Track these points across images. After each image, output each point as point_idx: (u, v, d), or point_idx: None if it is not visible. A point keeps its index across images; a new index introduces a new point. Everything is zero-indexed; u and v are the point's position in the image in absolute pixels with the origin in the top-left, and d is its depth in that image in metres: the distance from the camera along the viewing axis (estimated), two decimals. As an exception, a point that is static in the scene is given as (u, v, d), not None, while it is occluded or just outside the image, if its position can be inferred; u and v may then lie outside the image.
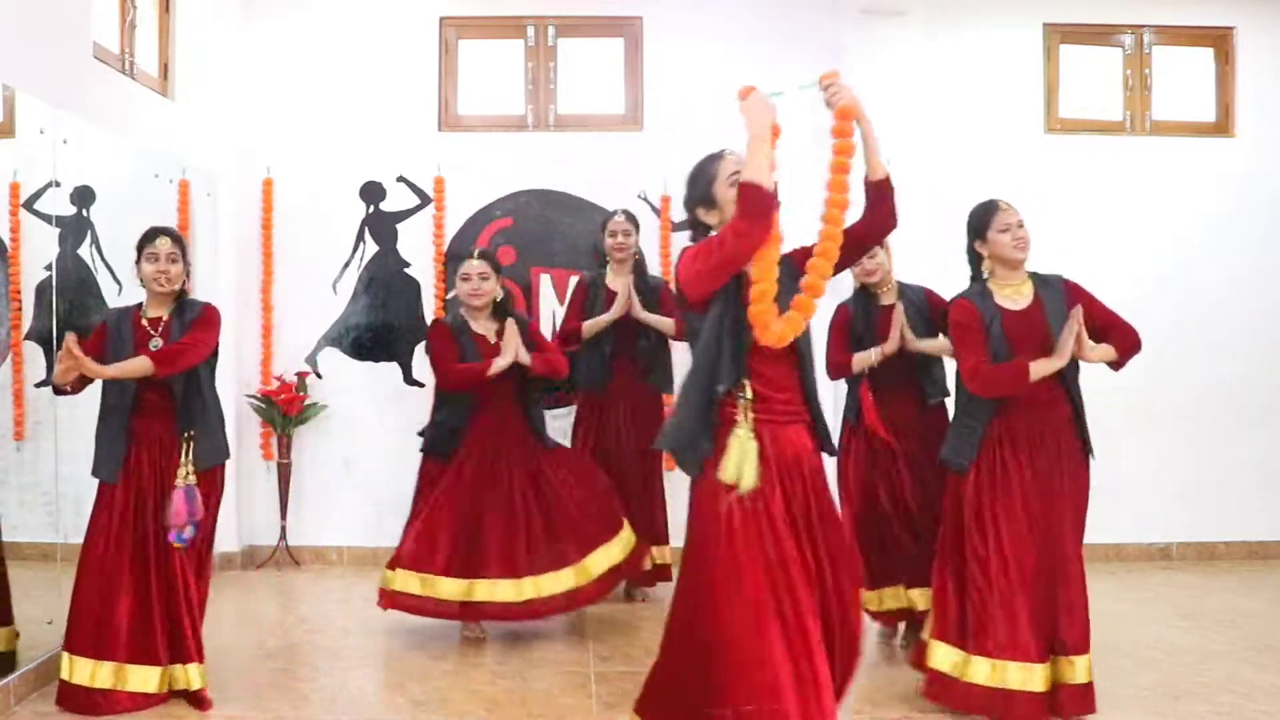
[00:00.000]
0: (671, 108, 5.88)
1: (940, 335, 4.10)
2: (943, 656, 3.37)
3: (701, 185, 2.89)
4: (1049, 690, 3.30)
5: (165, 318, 3.57)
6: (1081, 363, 3.42)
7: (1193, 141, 6.02)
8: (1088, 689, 3.33)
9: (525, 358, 4.20)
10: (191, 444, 3.53)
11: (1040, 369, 3.31)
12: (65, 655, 3.47)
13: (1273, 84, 6.02)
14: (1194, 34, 6.08)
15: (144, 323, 3.57)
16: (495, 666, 4.01)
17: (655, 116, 5.92)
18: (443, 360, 4.27)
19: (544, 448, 4.38)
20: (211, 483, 3.59)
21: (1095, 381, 5.75)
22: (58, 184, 4.01)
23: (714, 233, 2.75)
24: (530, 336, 4.34)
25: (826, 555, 2.61)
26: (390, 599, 4.19)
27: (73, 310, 4.21)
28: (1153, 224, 5.93)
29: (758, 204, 2.57)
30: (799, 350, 2.70)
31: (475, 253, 4.45)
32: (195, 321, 3.56)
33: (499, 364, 4.17)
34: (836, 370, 4.22)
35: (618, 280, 4.94)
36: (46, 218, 4.00)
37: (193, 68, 5.40)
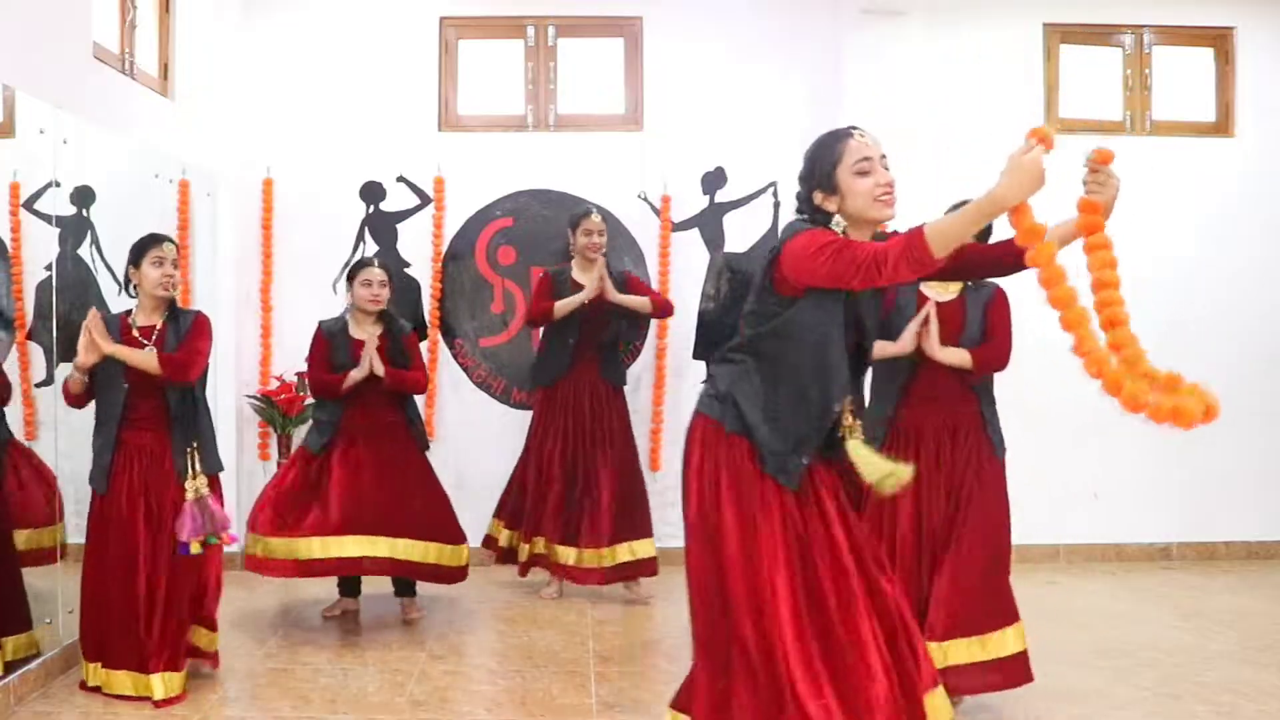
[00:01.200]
0: (671, 108, 5.89)
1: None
2: None
3: (823, 168, 2.56)
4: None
5: (159, 325, 3.57)
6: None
7: (1193, 141, 6.02)
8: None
9: (379, 369, 4.37)
10: (196, 456, 3.55)
11: (880, 350, 3.31)
12: (83, 662, 3.57)
13: (1273, 84, 6.02)
14: (1194, 34, 6.08)
15: (134, 332, 3.57)
16: (495, 666, 4.01)
17: (655, 116, 5.92)
18: (311, 366, 4.53)
19: (416, 449, 4.58)
20: (213, 492, 3.63)
21: (1095, 381, 5.76)
22: (58, 184, 4.01)
23: (835, 221, 2.51)
24: (404, 347, 4.52)
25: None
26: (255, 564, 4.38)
27: (73, 310, 4.21)
28: (1153, 224, 5.92)
29: (921, 263, 2.30)
30: None
31: (376, 260, 4.63)
32: (192, 332, 3.56)
33: (353, 376, 4.37)
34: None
35: (585, 275, 4.95)
36: (46, 218, 4.00)
37: (193, 68, 5.40)
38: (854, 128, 2.59)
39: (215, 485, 3.67)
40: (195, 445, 3.56)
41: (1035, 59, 5.98)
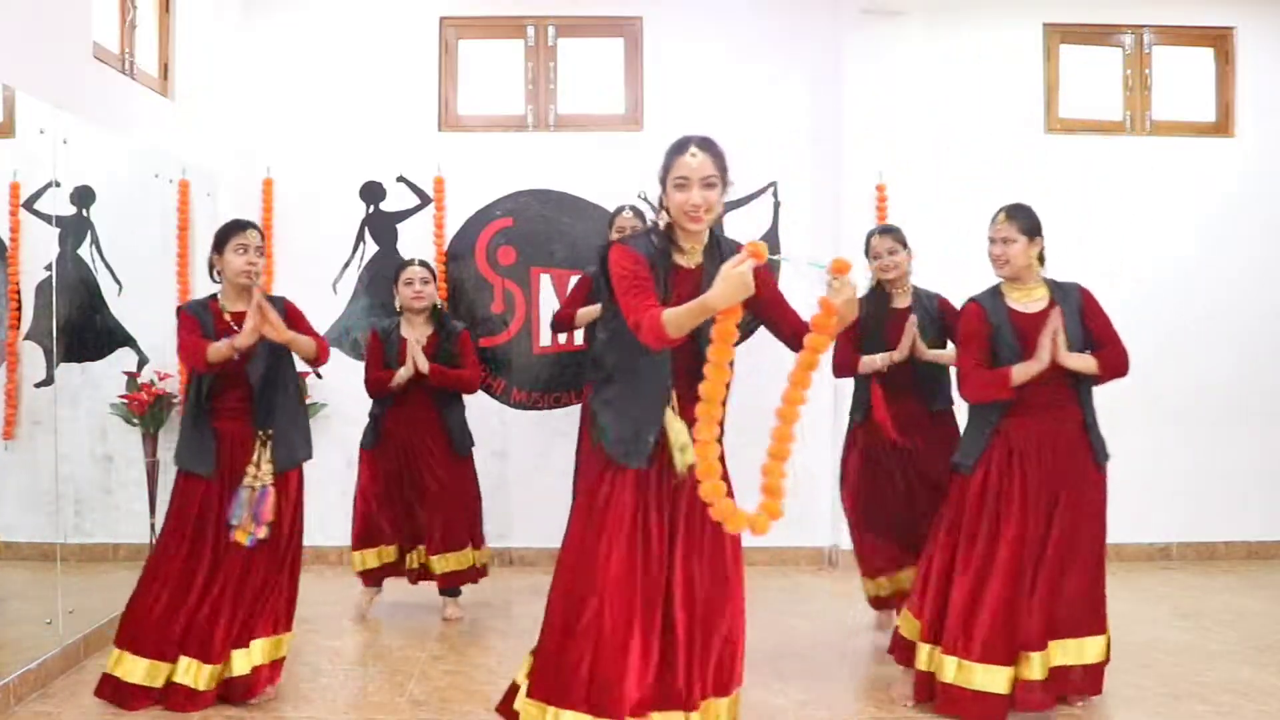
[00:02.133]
0: (671, 108, 5.89)
1: (950, 344, 4.13)
2: (945, 665, 3.39)
3: (661, 171, 2.83)
4: (1011, 693, 3.33)
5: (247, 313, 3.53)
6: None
7: (1193, 141, 6.02)
8: (1041, 686, 3.34)
9: (423, 366, 4.43)
10: (270, 444, 3.52)
11: (1022, 371, 3.34)
12: (115, 651, 3.47)
13: (1273, 84, 6.02)
14: (1194, 34, 6.08)
15: (226, 317, 3.53)
16: (495, 666, 4.01)
17: (655, 116, 5.92)
18: (366, 366, 4.63)
19: (457, 454, 4.64)
20: (289, 482, 3.59)
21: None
22: (58, 184, 4.01)
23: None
24: (457, 346, 4.58)
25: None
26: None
27: (73, 310, 4.22)
28: (1153, 224, 5.93)
29: (660, 340, 2.60)
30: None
31: (416, 260, 4.70)
32: (299, 318, 3.64)
33: (400, 375, 4.46)
34: (840, 369, 4.22)
35: None
36: (46, 218, 4.00)
37: (193, 68, 5.40)
38: (692, 144, 2.75)
39: (296, 475, 3.62)
40: (270, 434, 3.53)
41: (1035, 59, 5.98)
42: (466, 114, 5.99)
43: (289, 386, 3.60)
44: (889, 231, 4.25)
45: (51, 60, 4.04)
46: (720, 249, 2.85)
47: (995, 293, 3.53)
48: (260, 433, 3.52)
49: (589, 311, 4.81)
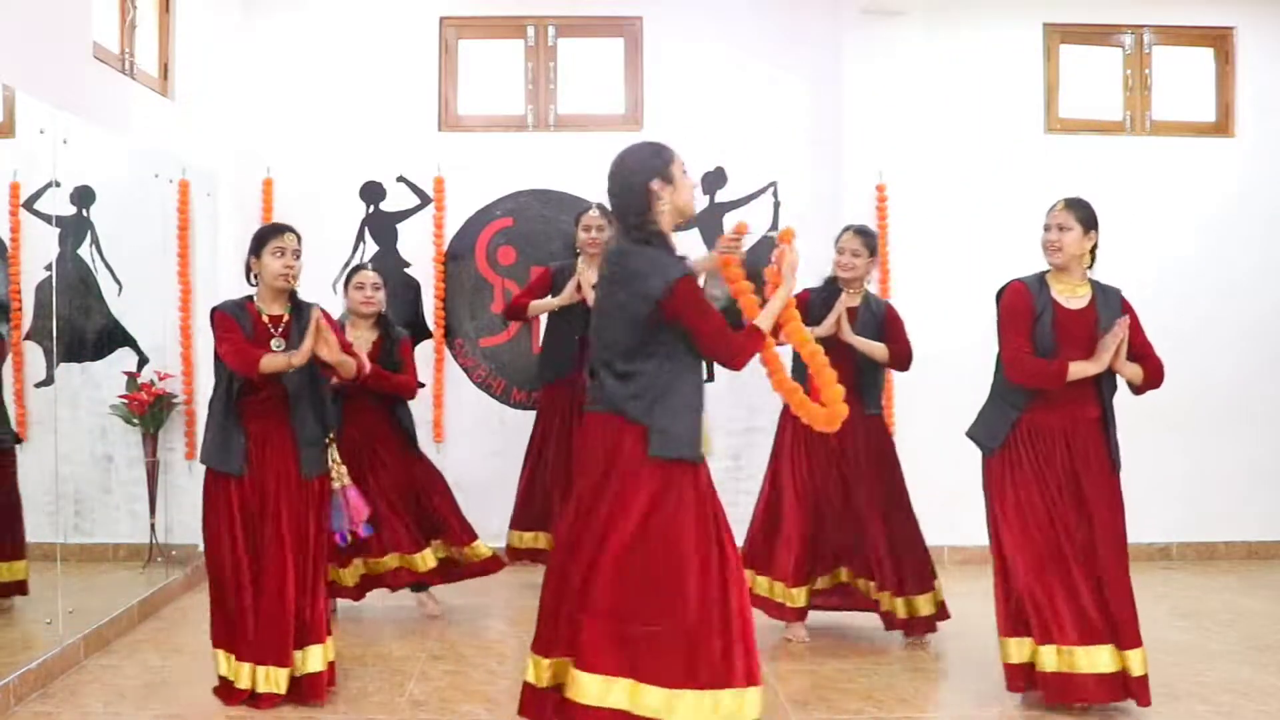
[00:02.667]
0: (671, 108, 5.89)
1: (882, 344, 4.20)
2: (1012, 649, 3.41)
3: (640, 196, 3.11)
4: (1118, 673, 3.34)
5: (286, 318, 3.52)
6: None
7: (1193, 141, 6.02)
8: (1142, 681, 3.35)
9: (366, 367, 4.01)
10: (334, 445, 3.57)
11: (1079, 370, 3.35)
12: (218, 653, 3.49)
13: (1273, 84, 6.02)
14: (1194, 34, 6.08)
15: (264, 319, 3.52)
16: (495, 666, 4.01)
17: (655, 116, 5.92)
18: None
19: (411, 446, 4.63)
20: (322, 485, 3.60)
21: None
22: (58, 184, 4.01)
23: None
24: (399, 353, 4.55)
25: None
26: None
27: (73, 310, 4.22)
28: (1153, 224, 5.93)
29: (748, 349, 2.91)
30: None
31: (369, 265, 4.70)
32: (338, 330, 3.63)
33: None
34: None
35: (588, 273, 4.87)
36: (46, 218, 4.00)
37: (193, 68, 5.40)
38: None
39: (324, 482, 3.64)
40: (332, 437, 3.56)
41: (1035, 59, 5.98)
42: (466, 114, 5.99)
43: (323, 388, 3.61)
44: (862, 233, 4.28)
45: (51, 60, 4.04)
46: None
47: (1041, 280, 3.51)
48: (328, 436, 3.57)
49: (543, 304, 4.93)
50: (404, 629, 4.53)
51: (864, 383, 4.17)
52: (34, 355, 4.04)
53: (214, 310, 3.54)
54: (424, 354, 5.84)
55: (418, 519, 4.57)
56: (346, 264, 5.85)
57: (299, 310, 3.54)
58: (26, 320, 4.02)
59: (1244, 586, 5.35)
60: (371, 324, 4.57)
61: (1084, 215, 3.45)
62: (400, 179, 5.88)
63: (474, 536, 4.66)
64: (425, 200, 5.88)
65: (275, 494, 3.46)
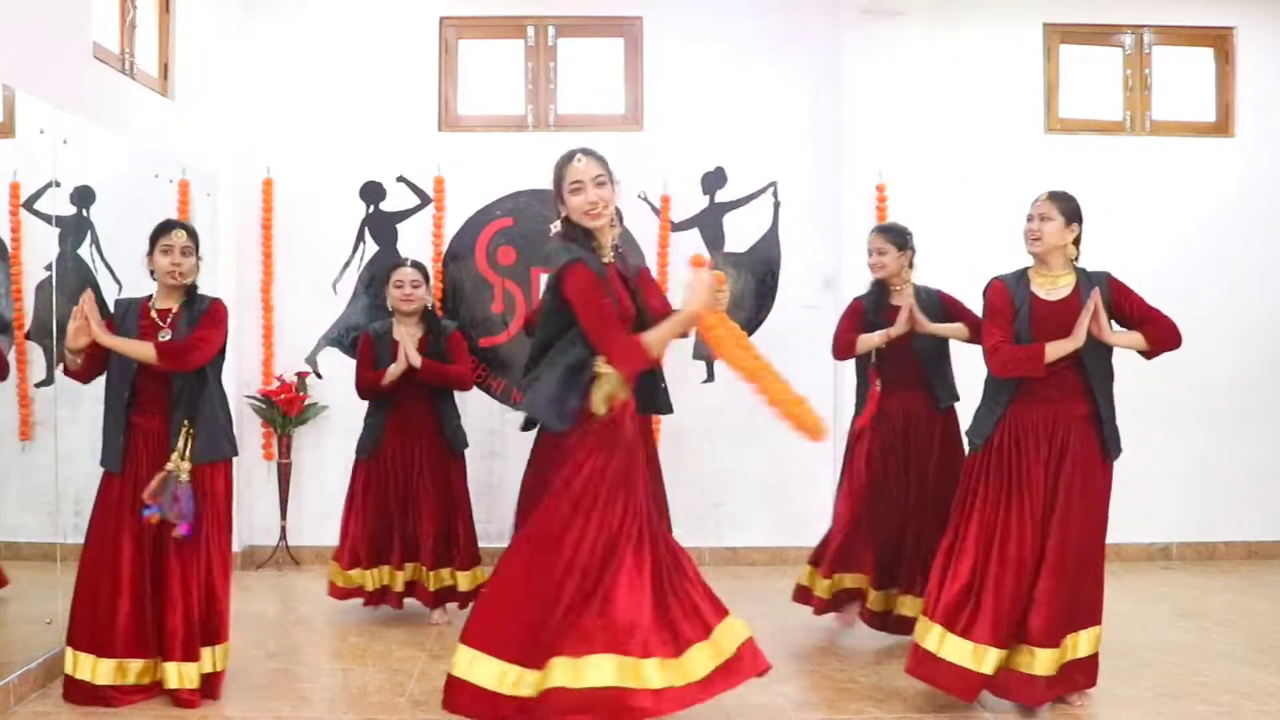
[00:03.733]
0: (671, 108, 5.89)
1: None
2: (924, 632, 3.46)
3: (555, 186, 3.14)
4: (995, 674, 3.36)
5: (175, 309, 3.57)
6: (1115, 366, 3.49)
7: (1193, 141, 6.02)
8: (1037, 681, 3.36)
9: (414, 360, 4.44)
10: (191, 438, 3.51)
11: (1056, 349, 3.37)
12: (68, 650, 3.48)
13: (1273, 84, 6.02)
14: (1194, 34, 6.08)
15: (153, 314, 3.57)
16: (495, 666, 4.00)
17: (655, 116, 5.92)
18: (358, 369, 4.67)
19: (452, 454, 4.65)
20: (213, 478, 3.56)
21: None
22: (58, 184, 4.01)
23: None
24: (447, 345, 4.58)
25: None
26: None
27: (73, 310, 4.21)
28: (1153, 224, 5.93)
29: (633, 365, 2.95)
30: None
31: (408, 261, 4.67)
32: (203, 318, 3.55)
33: (391, 372, 4.46)
34: (841, 351, 4.30)
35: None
36: (46, 218, 4.00)
37: (193, 68, 5.40)
38: (578, 152, 3.08)
39: (221, 470, 3.60)
40: (191, 428, 3.52)
41: (1035, 59, 5.99)
42: (466, 114, 5.99)
43: (210, 381, 3.58)
44: (883, 231, 4.33)
45: (51, 60, 4.04)
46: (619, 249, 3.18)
47: (1021, 275, 3.55)
48: (185, 426, 3.51)
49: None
50: (404, 629, 4.52)
51: (932, 378, 4.19)
52: (34, 355, 4.04)
53: (219, 302, 3.66)
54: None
55: (441, 536, 4.58)
56: (346, 264, 5.86)
57: (191, 304, 3.58)
58: (27, 320, 4.02)
59: (1244, 586, 5.35)
60: (416, 320, 4.59)
61: (1067, 207, 3.48)
62: (400, 179, 5.88)
63: (477, 562, 4.64)
64: (425, 200, 5.88)
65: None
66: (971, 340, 4.11)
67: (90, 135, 4.24)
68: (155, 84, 5.14)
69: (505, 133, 5.94)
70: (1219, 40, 6.07)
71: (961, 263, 5.77)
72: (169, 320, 3.55)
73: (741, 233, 5.89)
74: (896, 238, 4.27)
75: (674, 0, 5.92)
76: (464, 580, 4.59)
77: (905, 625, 4.05)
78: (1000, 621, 3.35)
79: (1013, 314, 3.47)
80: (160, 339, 3.49)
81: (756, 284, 5.89)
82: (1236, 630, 4.50)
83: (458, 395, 4.76)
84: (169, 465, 3.46)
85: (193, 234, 3.62)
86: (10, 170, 3.88)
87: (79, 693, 3.46)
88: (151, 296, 3.64)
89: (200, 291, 3.68)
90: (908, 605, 4.10)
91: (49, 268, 3.97)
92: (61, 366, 3.56)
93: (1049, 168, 5.83)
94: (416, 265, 4.64)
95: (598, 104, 6.00)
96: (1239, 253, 5.95)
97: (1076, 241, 3.52)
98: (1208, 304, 5.92)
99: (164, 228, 3.60)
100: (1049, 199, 3.50)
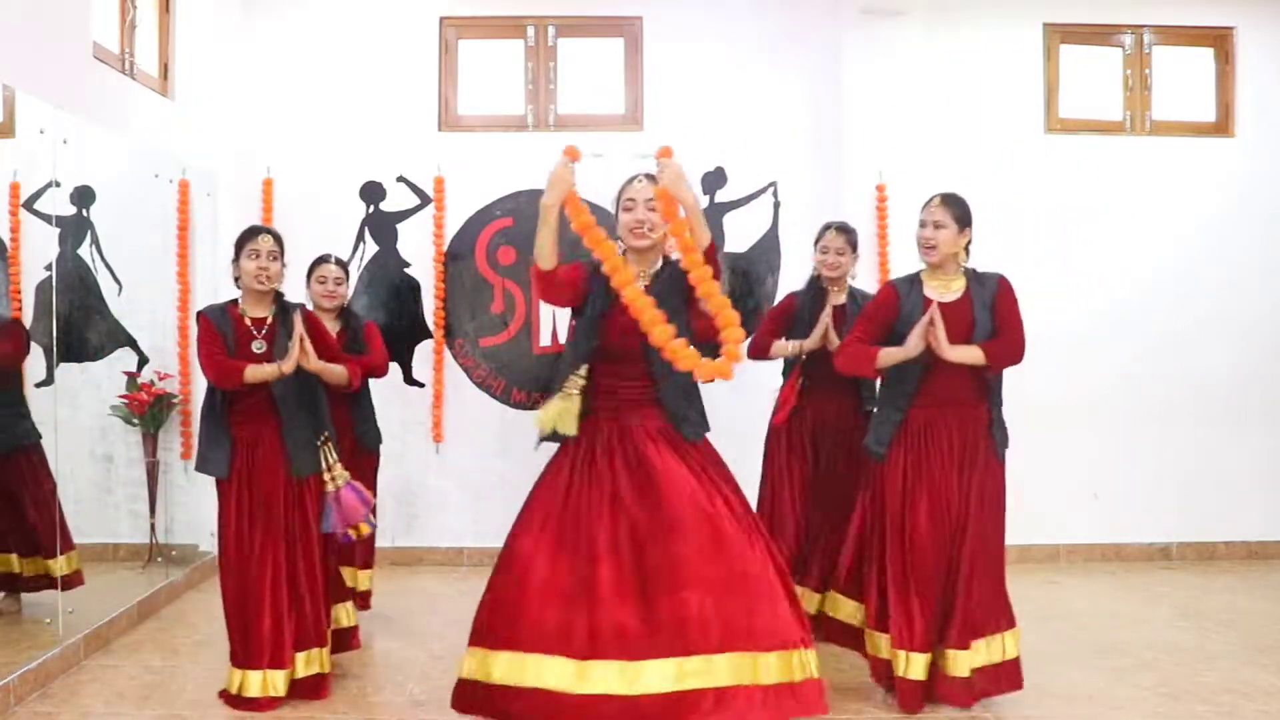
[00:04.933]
0: (671, 108, 5.89)
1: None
2: (881, 647, 3.50)
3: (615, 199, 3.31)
4: (928, 679, 3.40)
5: (269, 320, 3.54)
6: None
7: (1193, 141, 6.02)
8: (965, 683, 3.38)
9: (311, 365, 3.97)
10: (329, 448, 3.57)
11: (888, 356, 3.41)
12: (235, 671, 3.49)
13: (1273, 84, 6.02)
14: (1194, 34, 6.08)
15: (247, 322, 3.53)
16: (495, 666, 4.00)
17: (655, 116, 5.92)
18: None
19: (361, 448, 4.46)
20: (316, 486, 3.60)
21: (1097, 379, 5.76)
22: (58, 184, 4.01)
23: None
24: (364, 336, 4.48)
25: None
26: None
27: (73, 310, 4.22)
28: (1153, 224, 5.93)
29: (538, 282, 3.20)
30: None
31: (333, 258, 4.54)
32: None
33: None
34: (755, 350, 4.27)
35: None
36: (46, 218, 4.00)
37: (193, 68, 5.40)
38: (641, 174, 3.22)
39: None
40: (326, 437, 3.56)
41: (1035, 59, 5.98)
42: (466, 114, 5.99)
43: (316, 389, 3.60)
44: (845, 231, 4.26)
45: (51, 60, 4.04)
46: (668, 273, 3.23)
47: (914, 279, 3.55)
48: (321, 437, 3.56)
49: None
50: (404, 629, 4.52)
51: (859, 382, 4.15)
52: (34, 355, 4.04)
53: (199, 314, 3.57)
54: (424, 354, 5.85)
55: None
56: (345, 264, 5.84)
57: (284, 312, 3.56)
58: (27, 320, 4.02)
59: (1244, 586, 5.35)
60: (334, 315, 4.48)
61: (959, 212, 3.46)
62: (400, 179, 5.88)
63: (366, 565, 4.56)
64: (425, 200, 5.88)
65: (267, 497, 3.47)
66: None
67: (90, 135, 4.24)
68: (155, 84, 5.14)
69: (505, 133, 5.94)
70: (1219, 40, 6.07)
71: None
72: (264, 331, 3.52)
73: (741, 233, 5.89)
74: (854, 238, 4.26)
75: (674, 0, 5.92)
76: (364, 580, 4.53)
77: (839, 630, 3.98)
78: (930, 627, 3.39)
79: (892, 319, 3.47)
80: (254, 349, 3.47)
81: (756, 284, 5.89)
82: (1236, 630, 4.50)
83: (459, 395, 4.73)
84: (328, 485, 3.54)
85: (279, 239, 3.59)
86: (10, 170, 3.89)
87: (250, 706, 3.45)
88: (237, 303, 3.59)
89: (196, 296, 3.67)
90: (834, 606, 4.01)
91: (49, 268, 3.97)
92: (230, 371, 3.42)
93: (1049, 168, 5.85)
94: (339, 262, 4.54)
95: (598, 104, 6.00)
96: (1239, 253, 5.95)
97: (967, 247, 3.51)
98: (1207, 304, 5.92)
99: (251, 232, 3.57)
100: (941, 204, 3.46)
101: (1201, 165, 5.97)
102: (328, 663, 3.60)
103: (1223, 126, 6.07)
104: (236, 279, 3.59)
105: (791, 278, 5.90)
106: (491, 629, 3.01)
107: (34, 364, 4.05)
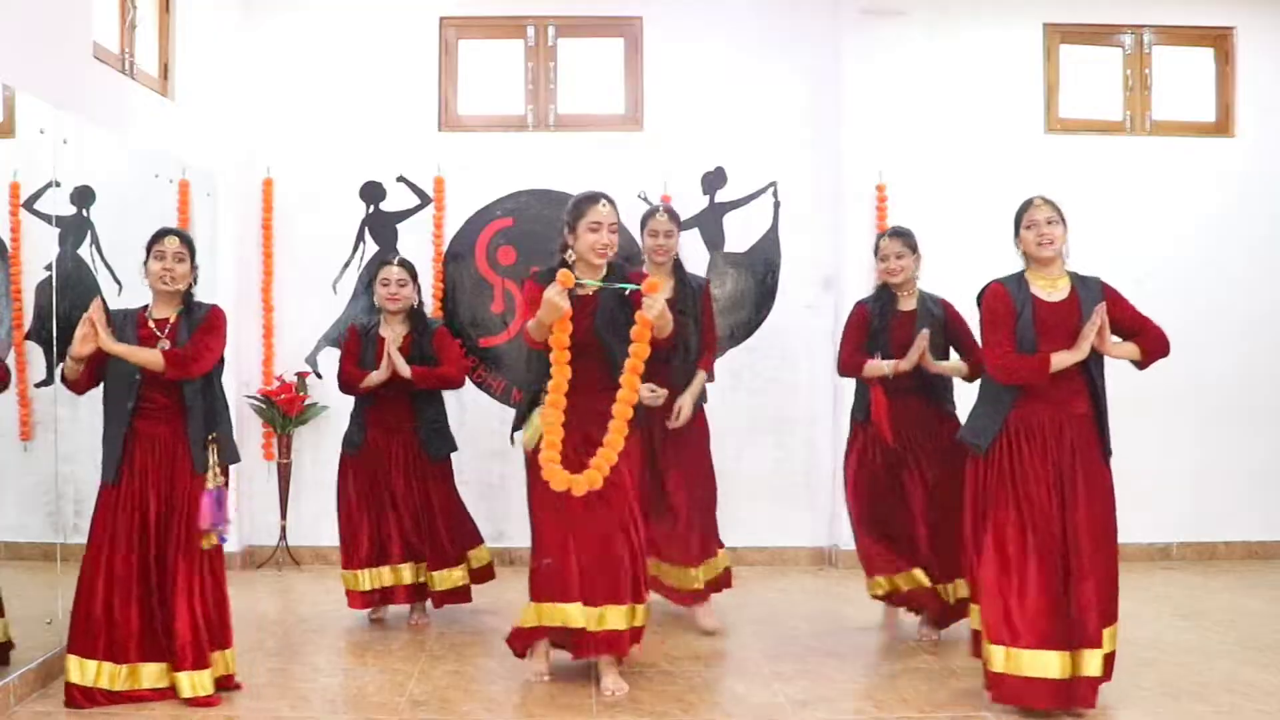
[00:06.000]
0: (671, 108, 5.90)
1: (954, 353, 4.21)
2: (993, 656, 3.39)
3: (569, 219, 3.65)
4: (1068, 679, 3.33)
5: (172, 319, 3.56)
6: (1108, 367, 3.48)
7: (1193, 141, 6.02)
8: (1094, 682, 3.36)
9: (402, 369, 4.40)
10: (216, 446, 3.54)
11: (1060, 360, 3.36)
12: (70, 658, 3.46)
13: (1273, 84, 6.02)
14: (1194, 34, 6.08)
15: (150, 324, 3.56)
16: (495, 666, 4.01)
17: (655, 116, 5.92)
18: (341, 362, 4.66)
19: (429, 454, 4.57)
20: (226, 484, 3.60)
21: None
22: (58, 184, 4.01)
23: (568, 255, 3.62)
24: (432, 344, 4.52)
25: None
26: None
27: (73, 310, 4.21)
28: (1153, 224, 5.93)
29: (528, 341, 3.64)
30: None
31: (395, 259, 4.58)
32: (203, 326, 3.56)
33: (373, 378, 4.43)
34: (846, 369, 4.27)
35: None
36: (46, 218, 4.00)
37: (193, 68, 5.40)
38: (603, 197, 3.61)
39: (227, 479, 3.65)
40: (214, 436, 3.55)
41: (1035, 59, 5.98)
42: (466, 114, 5.99)
43: (218, 389, 3.61)
44: (900, 235, 4.26)
45: (51, 60, 4.04)
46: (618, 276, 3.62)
47: (1020, 278, 3.53)
48: (206, 437, 3.54)
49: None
50: (404, 629, 4.53)
51: (931, 381, 4.18)
52: (34, 355, 4.04)
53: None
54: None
55: (414, 535, 4.53)
56: (346, 264, 5.86)
57: (190, 312, 3.57)
58: (27, 320, 4.02)
59: (1244, 586, 5.35)
60: (402, 319, 4.54)
61: (1062, 213, 3.51)
62: (400, 179, 5.88)
63: (452, 563, 4.59)
64: (425, 200, 5.88)
65: (154, 496, 3.50)
66: (969, 379, 4.10)
67: (90, 135, 4.24)
68: (155, 84, 5.14)
69: (505, 133, 5.94)
70: (1219, 40, 6.07)
71: (961, 263, 5.77)
72: (167, 329, 3.55)
73: (741, 233, 5.89)
74: (911, 241, 4.25)
75: (674, 0, 5.92)
76: (439, 580, 4.54)
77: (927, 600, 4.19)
78: (1062, 624, 3.34)
79: (1014, 318, 3.44)
80: (160, 348, 3.48)
81: (756, 284, 5.89)
82: (1236, 630, 4.50)
83: (457, 396, 4.74)
84: (210, 482, 3.49)
85: (187, 241, 3.60)
86: (10, 170, 3.88)
87: (84, 698, 3.44)
88: (148, 306, 3.62)
89: (198, 294, 3.68)
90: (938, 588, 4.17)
91: (49, 268, 3.97)
92: (59, 374, 3.55)
93: (1049, 168, 5.84)
94: (404, 264, 4.57)
95: (598, 104, 6.01)
96: (1239, 252, 5.95)
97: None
98: (1207, 304, 5.92)
99: (157, 235, 3.58)
100: (1047, 203, 3.52)
101: (1201, 165, 5.97)
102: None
103: (1223, 126, 6.07)
104: (148, 280, 3.61)
105: (792, 278, 5.91)
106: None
107: (34, 364, 4.05)
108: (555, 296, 3.35)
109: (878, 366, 4.13)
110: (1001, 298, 3.48)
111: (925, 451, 4.17)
